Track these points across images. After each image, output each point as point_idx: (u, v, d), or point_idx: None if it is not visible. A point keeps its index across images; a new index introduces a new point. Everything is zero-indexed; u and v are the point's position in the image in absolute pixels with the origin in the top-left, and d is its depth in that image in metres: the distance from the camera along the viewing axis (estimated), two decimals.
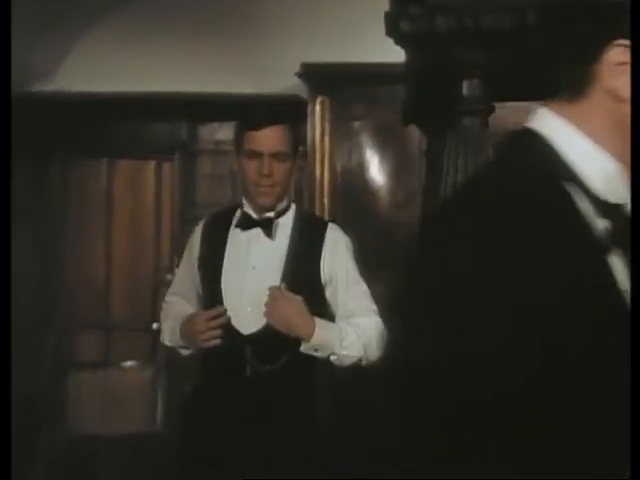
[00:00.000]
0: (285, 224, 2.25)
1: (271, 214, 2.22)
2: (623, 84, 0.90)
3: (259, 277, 2.19)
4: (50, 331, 4.13)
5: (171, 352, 2.46)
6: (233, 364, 2.18)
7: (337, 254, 2.24)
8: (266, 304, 2.12)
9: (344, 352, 2.13)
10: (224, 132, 4.16)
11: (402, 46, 1.85)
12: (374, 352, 2.12)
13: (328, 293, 2.23)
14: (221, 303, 2.18)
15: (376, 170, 3.87)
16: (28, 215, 3.99)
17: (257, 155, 2.16)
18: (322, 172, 3.84)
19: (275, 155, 2.17)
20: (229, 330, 2.17)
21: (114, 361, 3.97)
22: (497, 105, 1.87)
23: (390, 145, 3.83)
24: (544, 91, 0.96)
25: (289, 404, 2.15)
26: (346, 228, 4.32)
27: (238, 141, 2.22)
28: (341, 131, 3.84)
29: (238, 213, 2.26)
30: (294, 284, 2.17)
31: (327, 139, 3.84)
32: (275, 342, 2.15)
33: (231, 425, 2.14)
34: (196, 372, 2.34)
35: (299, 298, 2.13)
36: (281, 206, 2.24)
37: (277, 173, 2.17)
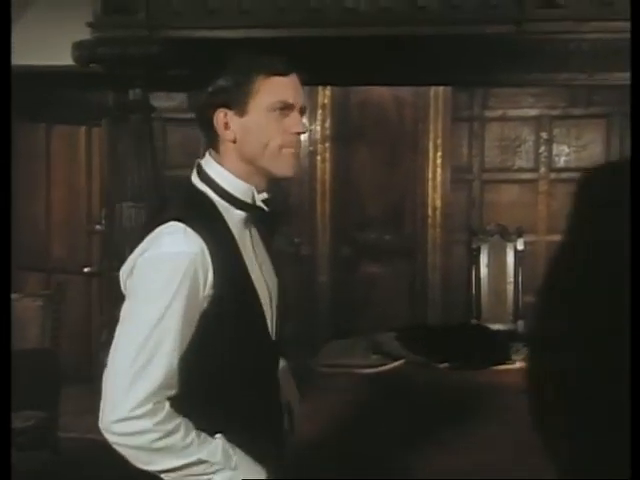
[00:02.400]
0: None
1: (265, 194, 1.65)
2: None
3: (268, 276, 1.69)
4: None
5: None
6: (267, 376, 1.71)
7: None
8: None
9: None
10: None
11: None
12: None
13: None
14: (262, 320, 1.64)
15: None
16: None
17: (288, 108, 1.60)
18: None
19: (301, 110, 1.64)
20: (262, 340, 1.66)
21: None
22: None
23: None
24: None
25: None
26: None
27: (247, 92, 1.58)
28: None
29: (217, 198, 1.60)
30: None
31: None
32: (282, 346, 1.80)
33: None
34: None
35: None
36: None
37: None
